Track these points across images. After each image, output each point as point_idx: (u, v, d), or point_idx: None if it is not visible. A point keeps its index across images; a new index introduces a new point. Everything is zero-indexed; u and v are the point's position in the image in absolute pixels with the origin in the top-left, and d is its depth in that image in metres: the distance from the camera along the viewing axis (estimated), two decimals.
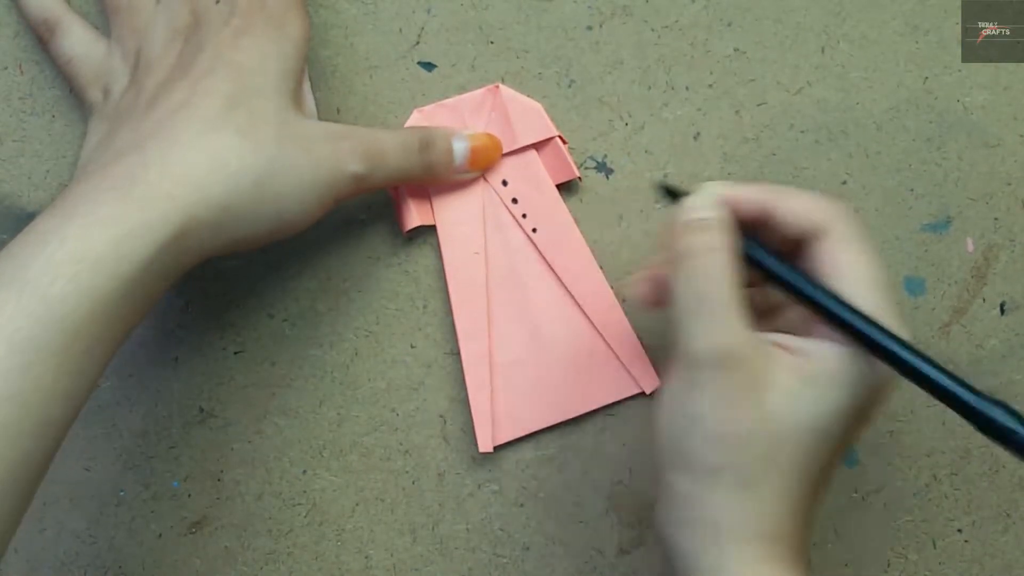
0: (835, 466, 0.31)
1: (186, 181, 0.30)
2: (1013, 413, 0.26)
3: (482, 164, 0.37)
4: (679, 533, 0.31)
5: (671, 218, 0.32)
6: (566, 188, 0.38)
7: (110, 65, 0.36)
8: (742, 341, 0.30)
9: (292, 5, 0.34)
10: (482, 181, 0.38)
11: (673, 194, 0.33)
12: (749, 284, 0.34)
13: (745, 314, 0.30)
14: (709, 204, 0.32)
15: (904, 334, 0.29)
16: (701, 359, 0.30)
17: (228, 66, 0.32)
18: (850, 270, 0.30)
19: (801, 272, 0.31)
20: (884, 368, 0.30)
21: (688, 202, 0.32)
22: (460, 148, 0.37)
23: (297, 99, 0.34)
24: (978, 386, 0.39)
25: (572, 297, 0.38)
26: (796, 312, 0.32)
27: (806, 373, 0.30)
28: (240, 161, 0.31)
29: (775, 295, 0.34)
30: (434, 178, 0.37)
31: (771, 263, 0.31)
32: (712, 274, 0.30)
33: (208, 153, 0.31)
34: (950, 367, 0.29)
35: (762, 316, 0.33)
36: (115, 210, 0.29)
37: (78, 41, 0.37)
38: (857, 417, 0.30)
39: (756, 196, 0.32)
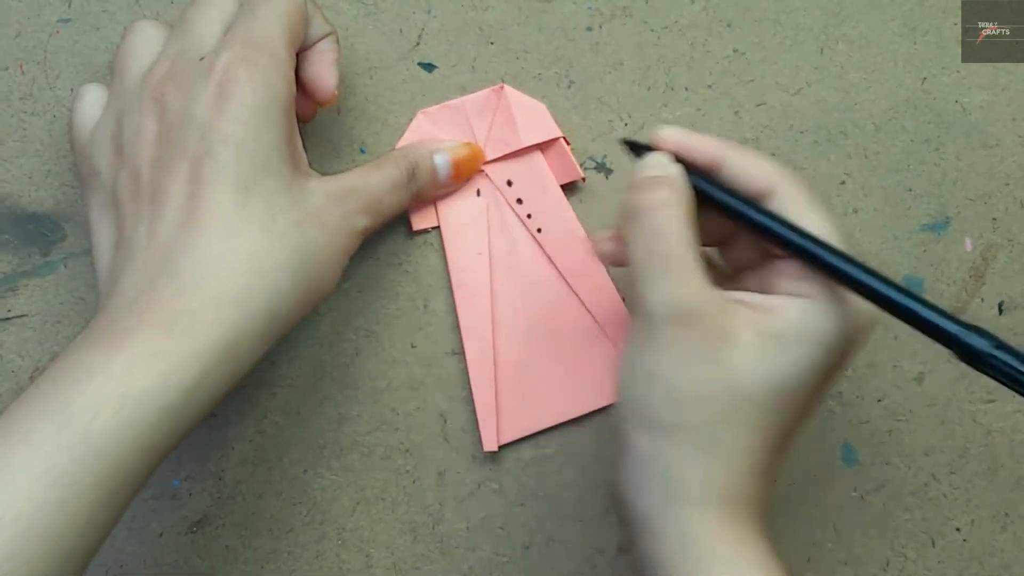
0: (801, 424, 0.31)
1: (228, 300, 0.29)
2: (992, 338, 0.25)
3: (464, 175, 0.38)
4: (637, 494, 0.31)
5: (631, 176, 0.32)
6: (567, 188, 0.38)
7: (94, 136, 0.33)
8: (700, 296, 0.29)
9: (275, 61, 0.31)
10: (487, 181, 0.38)
11: (637, 149, 0.33)
12: (716, 243, 0.34)
13: (703, 270, 0.30)
14: (664, 162, 0.32)
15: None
16: (658, 315, 0.29)
17: (226, 143, 0.30)
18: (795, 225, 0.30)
19: (758, 206, 0.31)
20: (849, 320, 0.29)
21: (645, 160, 0.32)
22: (442, 163, 0.37)
23: (295, 159, 0.32)
24: (976, 386, 0.39)
25: (577, 296, 0.38)
26: (762, 273, 0.32)
27: (769, 329, 0.29)
28: (273, 262, 0.30)
29: (741, 256, 0.34)
30: (420, 200, 0.37)
31: (728, 197, 0.31)
32: (666, 229, 0.30)
33: (241, 262, 0.30)
34: (947, 311, 0.27)
35: (728, 278, 0.33)
36: (161, 344, 0.28)
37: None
38: (823, 373, 0.30)
39: (710, 148, 0.32)
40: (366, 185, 0.34)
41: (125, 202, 0.31)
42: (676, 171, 0.31)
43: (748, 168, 0.31)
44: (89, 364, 0.28)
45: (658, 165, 0.32)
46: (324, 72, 0.34)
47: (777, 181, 0.31)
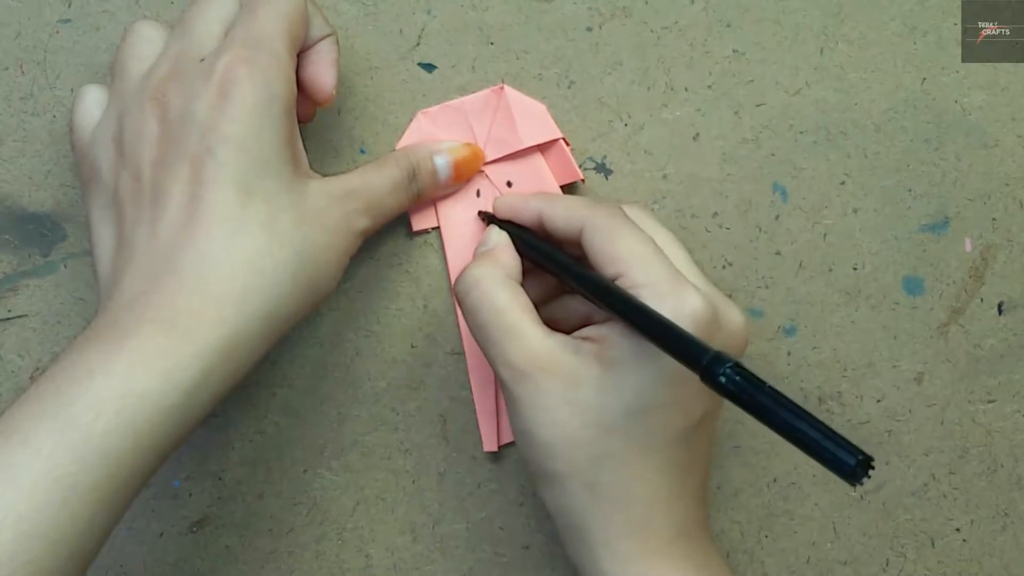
0: (695, 440, 0.31)
1: (228, 300, 0.29)
2: (731, 364, 0.25)
3: (464, 176, 0.38)
4: (565, 546, 0.32)
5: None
6: (566, 189, 0.38)
7: (94, 137, 0.33)
8: (537, 350, 0.31)
9: (276, 61, 0.31)
10: (487, 182, 0.38)
11: (489, 219, 0.36)
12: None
13: (534, 324, 0.31)
14: (488, 238, 0.35)
15: (687, 303, 0.29)
16: (504, 379, 0.31)
17: (226, 143, 0.30)
18: (608, 254, 0.31)
19: (553, 248, 0.33)
20: None
21: (485, 235, 0.35)
22: (442, 164, 0.37)
23: (296, 159, 0.32)
24: (976, 386, 0.39)
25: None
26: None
27: (609, 357, 0.30)
28: (273, 262, 0.30)
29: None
30: (421, 200, 0.37)
31: (538, 254, 0.34)
32: (484, 302, 0.32)
33: (242, 262, 0.30)
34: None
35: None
36: (162, 344, 0.28)
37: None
38: (674, 385, 0.30)
39: (532, 207, 0.34)
40: (367, 186, 0.34)
41: (126, 203, 0.31)
42: (495, 241, 0.34)
43: (559, 216, 0.33)
44: (90, 364, 0.28)
45: (484, 242, 0.35)
46: (323, 72, 0.34)
47: (585, 217, 0.32)
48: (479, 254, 0.34)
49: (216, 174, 0.30)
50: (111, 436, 0.27)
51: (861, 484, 0.23)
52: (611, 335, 0.30)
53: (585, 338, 0.31)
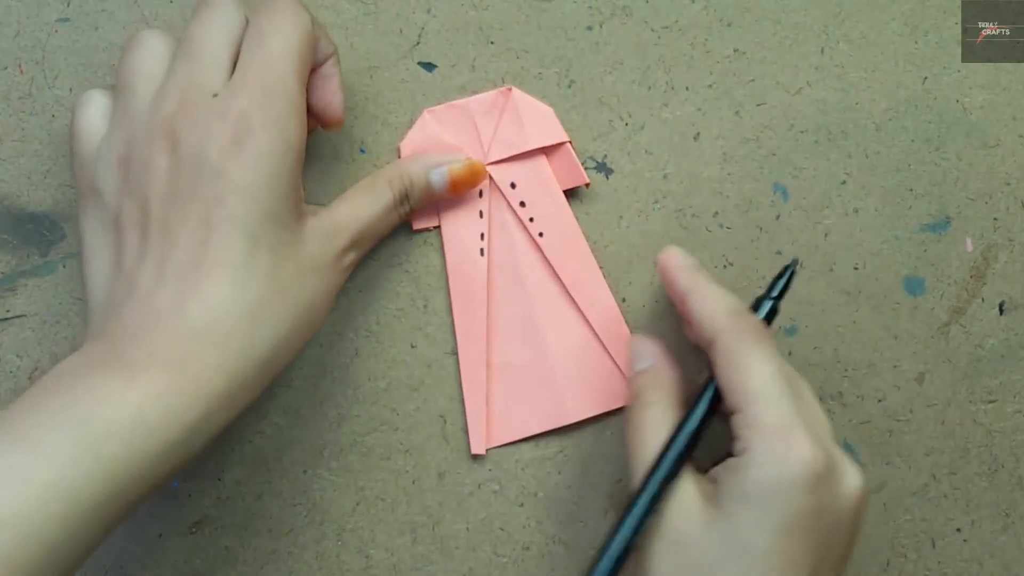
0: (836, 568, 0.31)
1: (232, 348, 0.30)
2: None
3: (461, 192, 0.38)
4: None
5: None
6: (570, 193, 0.38)
7: (99, 153, 0.33)
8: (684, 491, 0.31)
9: (290, 106, 0.31)
10: (490, 183, 0.38)
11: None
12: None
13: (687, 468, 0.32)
14: (647, 354, 0.35)
15: (791, 439, 0.30)
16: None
17: (238, 192, 0.30)
18: (734, 383, 0.31)
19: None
20: (796, 460, 0.30)
21: (633, 348, 0.36)
22: (439, 181, 0.37)
23: (298, 202, 0.32)
24: (977, 386, 0.39)
25: (575, 303, 0.38)
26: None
27: (740, 491, 0.30)
28: (274, 313, 0.31)
29: None
30: (414, 215, 0.38)
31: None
32: (646, 429, 0.33)
33: (247, 311, 0.31)
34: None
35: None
36: (171, 385, 0.29)
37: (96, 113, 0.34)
38: (808, 515, 0.30)
39: (681, 284, 0.34)
40: (357, 217, 0.34)
41: (128, 231, 0.31)
42: (653, 357, 0.35)
43: (700, 314, 0.33)
44: (106, 391, 0.29)
45: (640, 356, 0.35)
46: (332, 99, 0.35)
47: (719, 332, 0.32)
48: (638, 371, 0.35)
49: (226, 222, 0.30)
50: (118, 462, 0.28)
51: None
52: (743, 465, 0.30)
53: (725, 466, 0.31)
